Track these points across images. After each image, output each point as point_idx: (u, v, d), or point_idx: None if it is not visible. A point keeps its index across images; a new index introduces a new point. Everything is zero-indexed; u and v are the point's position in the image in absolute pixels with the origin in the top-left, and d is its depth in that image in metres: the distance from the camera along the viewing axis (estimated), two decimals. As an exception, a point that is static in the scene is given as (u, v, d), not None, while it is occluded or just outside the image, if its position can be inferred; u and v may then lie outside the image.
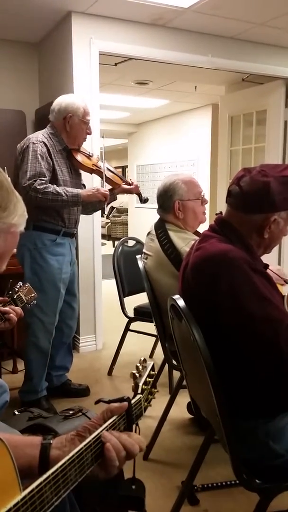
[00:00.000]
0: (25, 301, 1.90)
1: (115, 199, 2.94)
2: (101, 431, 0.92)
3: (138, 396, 1.06)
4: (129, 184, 2.94)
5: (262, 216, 1.45)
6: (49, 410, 2.61)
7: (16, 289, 1.88)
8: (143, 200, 3.01)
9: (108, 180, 2.84)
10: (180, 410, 2.75)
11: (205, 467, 1.95)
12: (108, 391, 3.15)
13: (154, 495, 2.07)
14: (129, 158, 9.31)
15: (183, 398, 2.60)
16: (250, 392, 1.41)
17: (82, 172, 2.91)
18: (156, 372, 1.15)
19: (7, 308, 1.74)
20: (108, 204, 2.81)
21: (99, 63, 3.63)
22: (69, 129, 2.71)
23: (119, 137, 9.90)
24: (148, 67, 4.32)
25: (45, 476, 0.77)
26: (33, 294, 1.96)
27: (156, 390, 1.13)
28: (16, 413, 1.73)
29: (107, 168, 2.86)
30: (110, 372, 3.41)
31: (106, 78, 4.76)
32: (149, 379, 1.11)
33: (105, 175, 2.81)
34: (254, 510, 1.41)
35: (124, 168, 11.23)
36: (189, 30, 3.88)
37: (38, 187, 2.46)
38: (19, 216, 0.88)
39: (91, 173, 2.91)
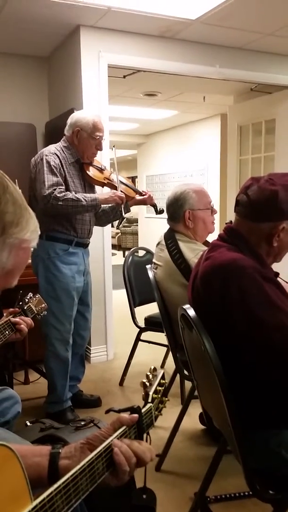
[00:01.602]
0: (36, 312, 1.92)
1: (128, 211, 2.95)
2: (112, 440, 0.92)
3: (148, 405, 1.05)
4: (143, 195, 2.95)
5: (271, 224, 1.45)
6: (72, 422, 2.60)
7: (26, 300, 1.90)
8: (159, 211, 2.95)
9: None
10: (192, 421, 2.73)
11: (218, 478, 1.94)
12: (119, 401, 3.13)
13: (166, 506, 2.05)
14: (138, 169, 9.35)
15: (195, 409, 2.58)
16: (262, 402, 1.40)
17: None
18: (166, 381, 1.15)
19: (17, 319, 1.75)
20: (125, 213, 2.83)
21: (108, 76, 3.67)
22: (77, 143, 2.75)
23: (129, 148, 9.96)
24: (157, 79, 4.35)
25: (56, 485, 0.77)
26: (43, 304, 1.97)
27: (166, 399, 1.12)
28: (28, 424, 1.73)
29: (120, 181, 2.87)
30: (121, 383, 3.41)
31: (115, 90, 4.81)
32: (160, 388, 1.11)
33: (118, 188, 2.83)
34: (268, 521, 1.39)
35: (133, 179, 11.28)
36: (197, 42, 3.91)
37: (58, 195, 2.52)
38: (32, 232, 0.89)
39: (103, 187, 2.93)
